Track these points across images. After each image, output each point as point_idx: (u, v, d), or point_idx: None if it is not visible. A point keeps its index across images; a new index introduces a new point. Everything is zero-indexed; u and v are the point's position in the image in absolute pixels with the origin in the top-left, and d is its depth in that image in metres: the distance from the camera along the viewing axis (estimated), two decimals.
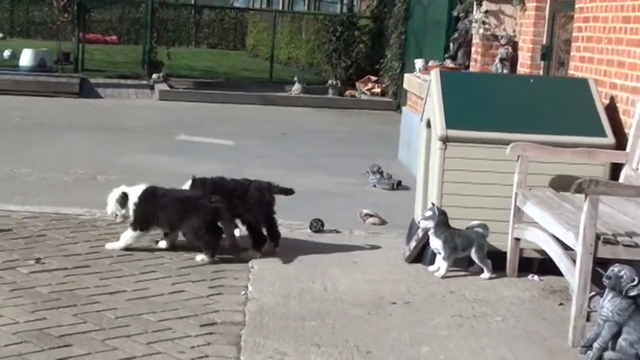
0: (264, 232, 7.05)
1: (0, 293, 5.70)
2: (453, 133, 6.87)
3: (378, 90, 20.64)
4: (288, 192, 7.19)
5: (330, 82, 20.78)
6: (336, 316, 5.67)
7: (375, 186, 10.25)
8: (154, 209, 6.82)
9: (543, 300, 6.28)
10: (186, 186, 7.16)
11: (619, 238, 5.37)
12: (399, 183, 10.29)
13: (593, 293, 5.56)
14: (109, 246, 6.87)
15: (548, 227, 5.96)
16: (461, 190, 6.88)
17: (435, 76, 7.27)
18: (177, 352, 4.93)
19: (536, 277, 6.75)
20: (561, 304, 6.18)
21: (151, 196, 6.89)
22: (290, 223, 7.92)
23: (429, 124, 7.44)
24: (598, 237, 5.33)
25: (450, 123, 6.89)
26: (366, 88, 20.88)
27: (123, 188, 7.01)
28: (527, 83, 7.55)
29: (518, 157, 6.66)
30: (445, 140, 6.87)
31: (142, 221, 6.84)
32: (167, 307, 5.63)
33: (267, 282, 6.31)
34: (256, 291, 6.09)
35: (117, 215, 6.99)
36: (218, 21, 37.68)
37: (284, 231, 7.52)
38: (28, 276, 6.10)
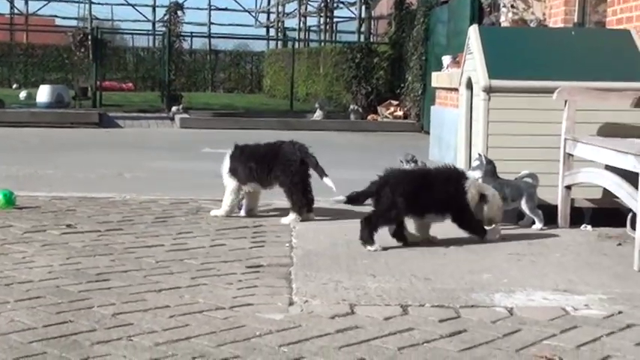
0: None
1: (30, 248, 5.45)
2: (497, 82, 6.66)
3: (400, 113, 20.49)
4: (322, 173, 6.87)
5: (351, 107, 20.67)
6: (387, 256, 5.42)
7: None
8: None
9: (600, 242, 6.02)
10: (229, 153, 6.93)
11: None
12: None
13: None
14: None
15: (604, 159, 5.74)
16: (506, 142, 6.64)
17: (473, 31, 7.08)
18: (224, 283, 4.67)
19: (589, 227, 6.48)
20: (619, 244, 5.93)
21: None
22: (328, 199, 7.66)
23: (468, 85, 7.24)
24: None
25: (492, 73, 6.68)
26: (388, 112, 20.72)
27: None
28: (568, 35, 7.33)
29: (566, 102, 6.43)
30: (489, 91, 6.65)
31: None
32: (209, 255, 5.39)
33: (311, 236, 6.08)
34: (301, 242, 5.85)
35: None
36: (234, 65, 37.81)
37: (323, 205, 7.30)
38: (59, 236, 5.87)
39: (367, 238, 5.62)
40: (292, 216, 6.64)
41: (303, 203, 6.68)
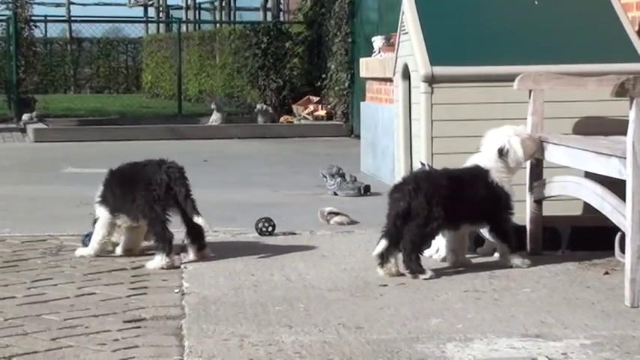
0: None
1: None
2: (441, 70, 6.74)
3: (322, 112, 20.52)
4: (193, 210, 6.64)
5: (258, 106, 20.67)
6: (308, 301, 5.46)
7: (335, 193, 10.03)
8: None
9: (582, 271, 6.14)
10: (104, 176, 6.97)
11: None
12: (368, 188, 10.10)
13: None
14: None
15: (581, 164, 5.85)
16: (456, 146, 6.70)
17: (408, 3, 7.16)
18: (95, 344, 4.67)
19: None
20: (607, 272, 6.05)
21: None
22: (230, 229, 7.72)
23: (405, 75, 7.32)
24: None
25: (435, 58, 6.75)
26: (306, 111, 20.75)
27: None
28: (531, 4, 7.44)
29: (530, 92, 6.53)
30: (431, 81, 6.73)
31: None
32: (75, 308, 5.39)
33: (208, 278, 6.10)
34: (195, 286, 5.86)
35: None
36: (104, 57, 37.61)
37: (224, 237, 7.37)
38: None
39: (416, 267, 5.95)
40: (157, 258, 6.52)
41: (169, 238, 6.55)
